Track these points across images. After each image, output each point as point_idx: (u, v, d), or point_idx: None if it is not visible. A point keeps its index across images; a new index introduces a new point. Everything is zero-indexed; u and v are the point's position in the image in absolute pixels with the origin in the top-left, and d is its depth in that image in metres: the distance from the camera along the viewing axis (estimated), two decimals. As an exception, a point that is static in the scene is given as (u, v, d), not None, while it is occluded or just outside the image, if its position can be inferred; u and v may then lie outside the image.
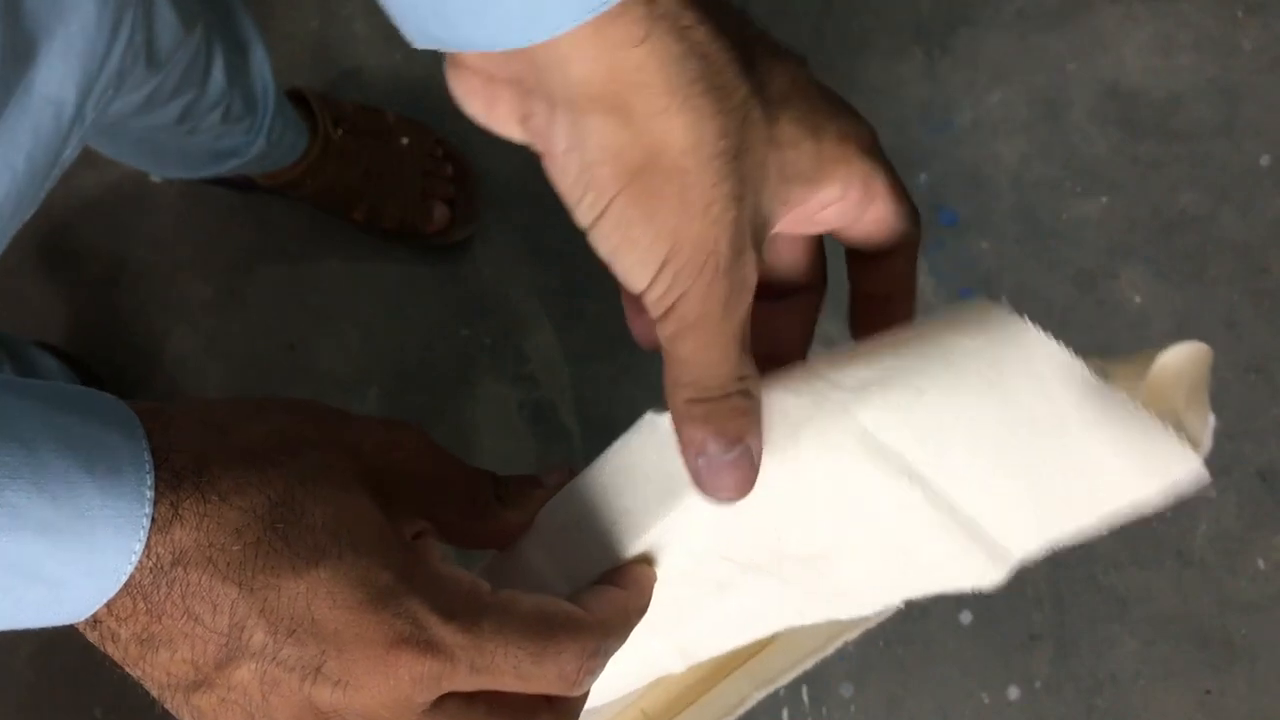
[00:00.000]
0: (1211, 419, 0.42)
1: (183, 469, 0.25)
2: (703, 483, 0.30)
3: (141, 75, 0.64)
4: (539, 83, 0.27)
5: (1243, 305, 1.10)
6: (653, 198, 0.27)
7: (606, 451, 0.33)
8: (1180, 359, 0.41)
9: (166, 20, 0.64)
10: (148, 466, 0.25)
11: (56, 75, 0.50)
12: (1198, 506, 1.03)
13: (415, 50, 0.30)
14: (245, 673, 0.26)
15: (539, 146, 0.29)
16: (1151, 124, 1.13)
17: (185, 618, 0.25)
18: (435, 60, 0.29)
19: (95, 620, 0.25)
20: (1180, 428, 0.43)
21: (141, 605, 0.25)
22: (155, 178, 1.12)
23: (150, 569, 0.25)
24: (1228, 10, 1.14)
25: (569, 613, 0.29)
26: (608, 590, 0.31)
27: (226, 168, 0.92)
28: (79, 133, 0.53)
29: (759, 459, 0.31)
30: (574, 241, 0.34)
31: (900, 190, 0.32)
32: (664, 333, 0.29)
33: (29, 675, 1.03)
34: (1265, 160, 1.12)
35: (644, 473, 0.32)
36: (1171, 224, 1.11)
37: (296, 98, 1.01)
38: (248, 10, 0.82)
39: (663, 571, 0.33)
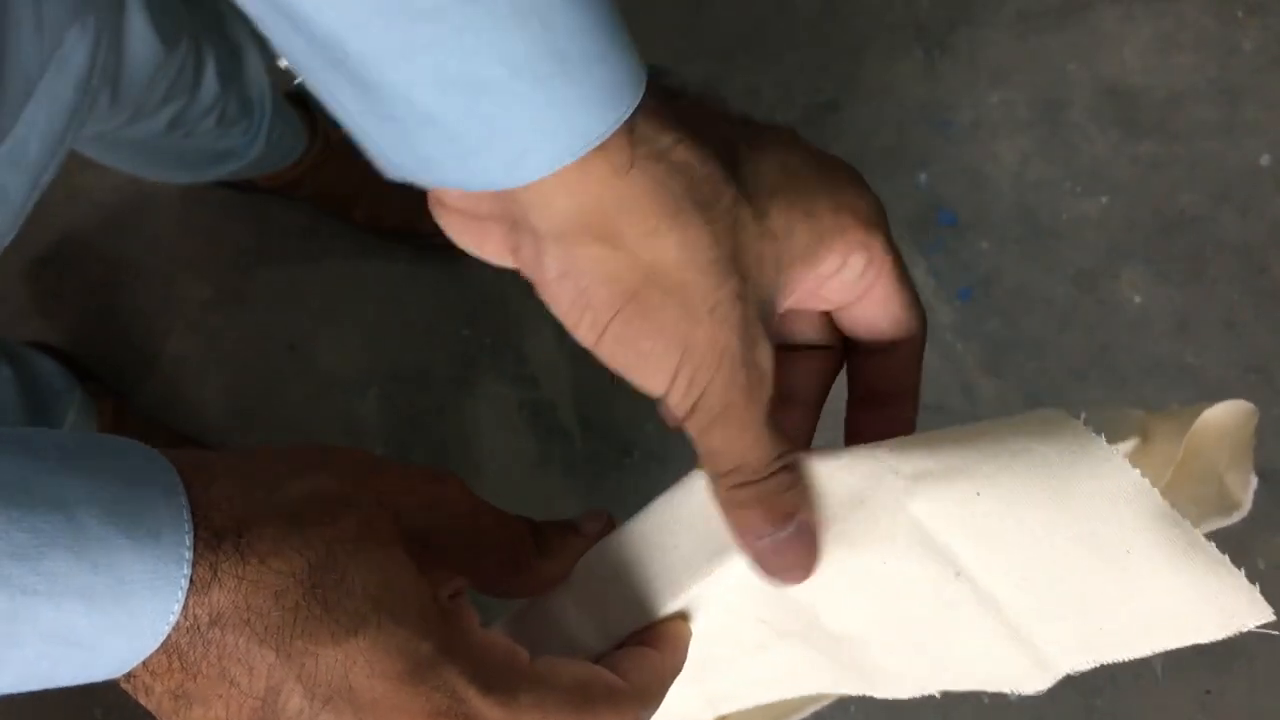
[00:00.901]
0: (1254, 480, 0.41)
1: (222, 529, 0.25)
2: (767, 566, 0.30)
3: (111, 108, 0.64)
4: (523, 218, 0.28)
5: (1243, 305, 1.10)
6: (655, 311, 0.28)
7: (649, 506, 0.32)
8: (1225, 416, 0.40)
9: (141, 50, 0.63)
10: (187, 527, 0.24)
11: (39, 129, 0.51)
12: (1198, 506, 1.03)
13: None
14: None
15: (530, 276, 0.29)
16: (1151, 124, 1.13)
17: (221, 679, 0.25)
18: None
19: (129, 674, 0.25)
20: (1222, 486, 0.42)
21: (177, 663, 0.25)
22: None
23: (187, 629, 0.24)
24: (1228, 10, 1.14)
25: (608, 683, 0.29)
26: (645, 654, 0.31)
27: (226, 170, 0.92)
28: (58, 159, 0.54)
29: (816, 533, 0.31)
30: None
31: (906, 277, 0.32)
32: (693, 430, 0.30)
33: (29, 675, 1.03)
34: (1265, 160, 1.12)
35: (687, 527, 0.31)
36: (1171, 224, 1.11)
37: (295, 99, 1.01)
38: (241, 14, 0.82)
39: (698, 628, 0.32)
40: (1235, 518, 0.43)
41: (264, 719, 0.25)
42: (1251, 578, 0.31)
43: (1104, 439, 0.32)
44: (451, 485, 0.30)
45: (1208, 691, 1.03)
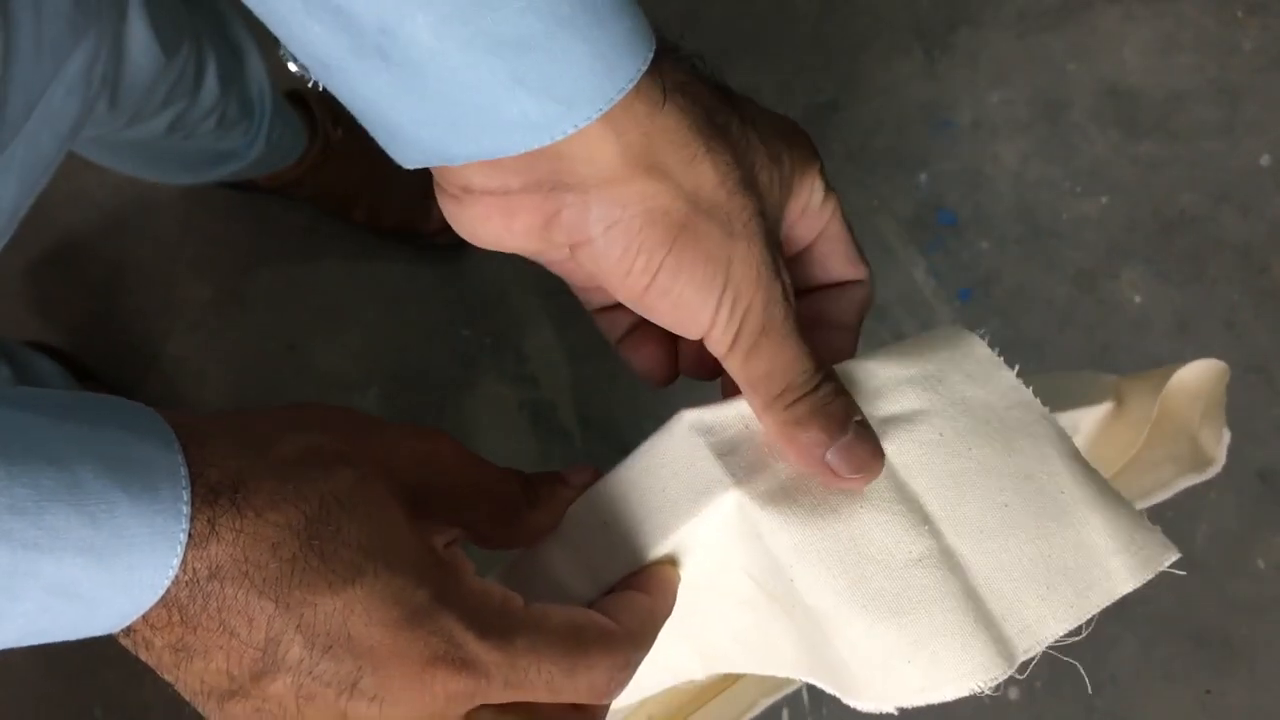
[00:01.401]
0: (1227, 435, 0.42)
1: (219, 484, 0.25)
2: (841, 472, 0.31)
3: (109, 112, 0.64)
4: (567, 173, 0.29)
5: (1243, 305, 1.10)
6: (702, 238, 0.29)
7: (635, 451, 0.33)
8: (1197, 375, 0.41)
9: (141, 58, 0.63)
10: (184, 483, 0.25)
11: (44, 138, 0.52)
12: (1198, 507, 1.03)
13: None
14: (281, 685, 0.26)
15: (566, 241, 0.30)
16: (1151, 124, 1.13)
17: (221, 631, 0.25)
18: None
19: (129, 628, 0.26)
20: (1195, 444, 0.42)
21: (177, 617, 0.25)
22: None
23: (186, 583, 0.25)
24: (1228, 10, 1.14)
25: (600, 625, 0.30)
26: (634, 597, 0.31)
27: (226, 171, 0.92)
28: (55, 165, 0.54)
29: (870, 426, 0.32)
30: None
31: (848, 222, 0.35)
32: (737, 358, 0.31)
33: (29, 675, 1.03)
34: (1265, 160, 1.12)
35: (672, 471, 0.32)
36: (1171, 224, 1.11)
37: (296, 99, 1.01)
38: (242, 15, 0.82)
39: (687, 574, 0.33)
40: (1210, 473, 0.44)
41: (264, 669, 0.26)
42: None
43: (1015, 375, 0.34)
44: (443, 441, 0.31)
45: (1208, 691, 1.03)
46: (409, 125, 0.29)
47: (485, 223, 0.31)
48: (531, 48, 0.26)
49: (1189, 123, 1.13)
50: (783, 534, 0.31)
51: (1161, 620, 1.03)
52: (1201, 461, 0.44)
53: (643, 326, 0.36)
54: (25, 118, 0.50)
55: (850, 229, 0.35)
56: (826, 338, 0.35)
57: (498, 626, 0.28)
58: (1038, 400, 0.34)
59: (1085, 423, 0.45)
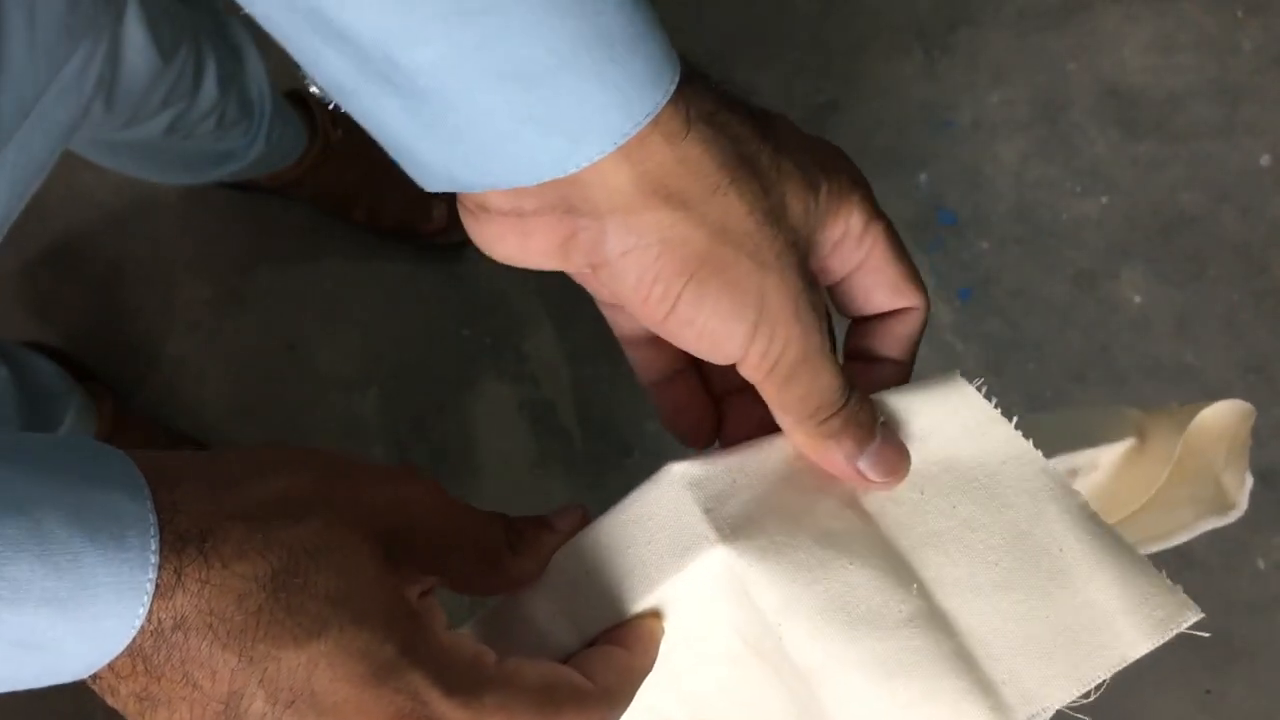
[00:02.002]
0: (1249, 479, 0.41)
1: (187, 532, 0.25)
2: (874, 476, 0.32)
3: (106, 114, 0.64)
4: (581, 199, 0.28)
5: (1243, 305, 1.10)
6: (729, 268, 0.29)
7: (622, 501, 0.32)
8: (1222, 415, 0.40)
9: (138, 62, 0.63)
10: (152, 531, 0.24)
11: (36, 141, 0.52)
12: (1198, 506, 1.03)
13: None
14: None
15: (585, 262, 0.30)
16: (1151, 124, 1.13)
17: (184, 682, 0.25)
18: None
19: (95, 676, 0.25)
20: (1219, 486, 0.42)
21: (141, 666, 0.25)
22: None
23: (151, 633, 0.24)
24: (1228, 10, 1.14)
25: (574, 685, 0.29)
26: (614, 653, 0.31)
27: (226, 171, 0.92)
28: (48, 169, 0.54)
29: (894, 429, 0.33)
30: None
31: (901, 248, 0.34)
32: (773, 385, 0.31)
33: (29, 675, 1.03)
34: (1265, 160, 1.12)
35: (659, 524, 0.31)
36: (1171, 224, 1.11)
37: (295, 99, 1.01)
38: (241, 16, 0.82)
39: (672, 628, 0.32)
40: (1231, 518, 0.43)
41: None
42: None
43: (1031, 442, 0.33)
44: (421, 485, 0.30)
45: (1208, 691, 1.03)
46: (424, 152, 0.28)
47: (501, 241, 0.30)
48: (537, 84, 0.26)
49: (1189, 123, 1.13)
50: (771, 591, 0.30)
51: (1161, 620, 1.03)
52: (1224, 505, 0.43)
53: (681, 378, 0.36)
54: (18, 123, 0.50)
55: (901, 254, 0.34)
56: (878, 372, 0.34)
57: (466, 683, 0.27)
58: (1038, 453, 0.33)
59: (1105, 459, 0.44)
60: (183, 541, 0.25)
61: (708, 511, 0.31)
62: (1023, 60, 1.14)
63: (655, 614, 0.32)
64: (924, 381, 0.34)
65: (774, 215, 0.29)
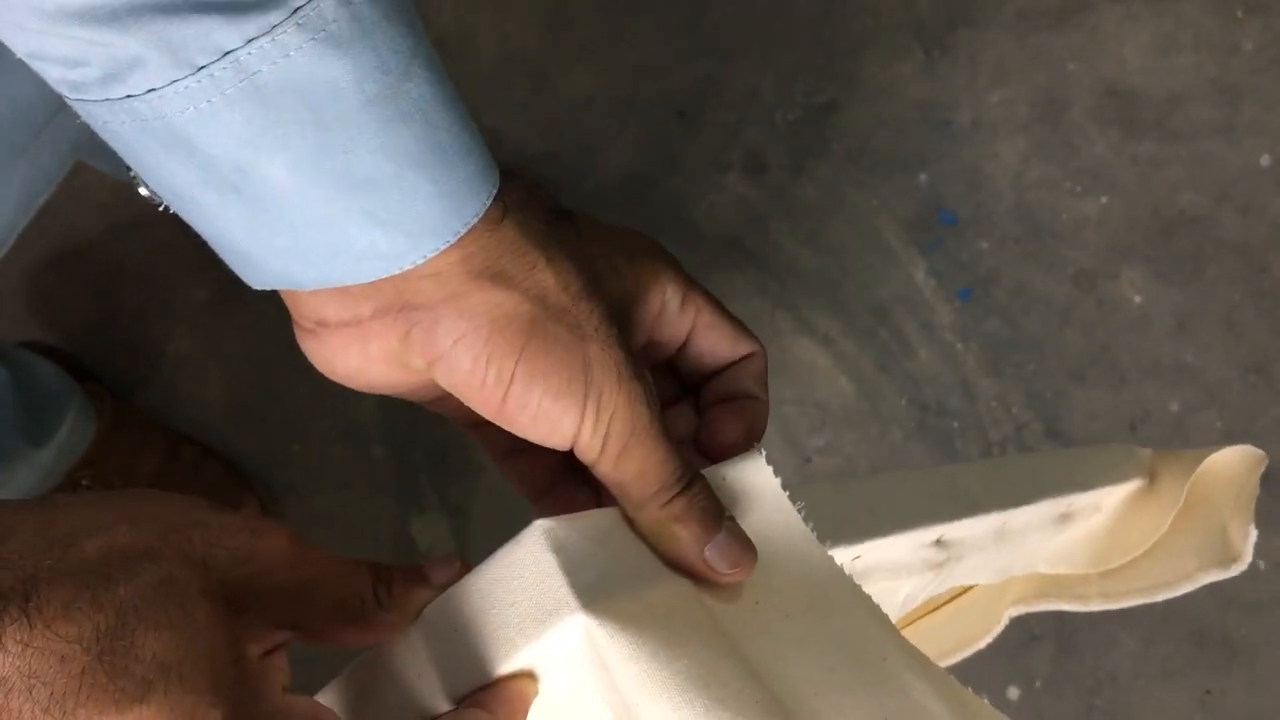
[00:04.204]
0: (1254, 533, 0.41)
1: (10, 591, 0.24)
2: (721, 568, 0.32)
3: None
4: (414, 293, 0.30)
5: (1243, 305, 1.10)
6: (553, 342, 0.30)
7: (490, 557, 0.31)
8: (1231, 462, 0.40)
9: None
10: None
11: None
12: (1198, 506, 1.03)
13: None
14: None
15: (421, 359, 0.31)
16: (1151, 124, 1.13)
17: None
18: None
19: None
20: (1225, 536, 0.42)
21: None
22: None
23: None
24: (1228, 10, 1.14)
25: None
26: (476, 717, 0.30)
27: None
28: (58, 178, 0.55)
29: (740, 525, 0.33)
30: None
31: (723, 307, 0.36)
32: (607, 463, 0.31)
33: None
34: (1265, 160, 1.12)
35: (521, 585, 0.30)
36: (1171, 224, 1.11)
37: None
38: None
39: (546, 692, 0.31)
40: (1233, 571, 0.43)
41: None
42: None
43: (852, 581, 0.33)
44: (273, 536, 0.29)
45: (1208, 691, 1.03)
46: (258, 253, 0.30)
47: (344, 353, 0.32)
48: (382, 186, 0.28)
49: (1189, 123, 1.13)
50: (631, 666, 0.29)
51: (1161, 619, 1.04)
52: (1228, 557, 0.43)
53: (526, 449, 0.36)
54: (30, 140, 0.50)
55: (725, 312, 0.36)
56: (743, 406, 0.36)
57: None
58: (850, 578, 0.33)
59: (1110, 501, 0.44)
60: (5, 601, 0.24)
61: (570, 575, 0.30)
62: (1023, 60, 1.14)
63: (529, 675, 0.31)
64: (758, 511, 0.34)
65: (589, 289, 0.31)
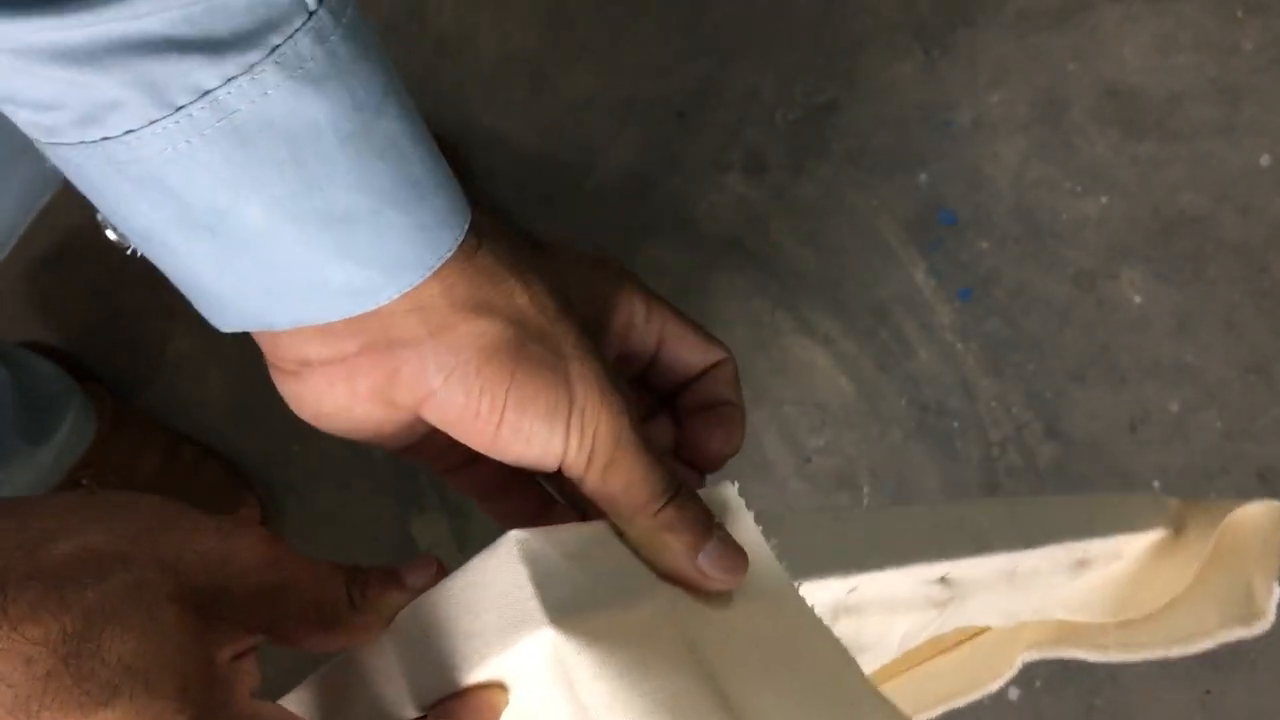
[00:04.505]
0: (1277, 590, 0.41)
1: None
2: (715, 573, 0.32)
3: None
4: (399, 328, 0.30)
5: (1243, 305, 1.10)
6: (536, 366, 0.31)
7: (464, 565, 0.31)
8: (1257, 516, 0.40)
9: None
10: None
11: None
12: (1198, 506, 1.03)
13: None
14: None
15: (410, 399, 0.31)
16: (1151, 124, 1.13)
17: None
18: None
19: None
20: (1249, 591, 0.41)
21: None
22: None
23: None
24: (1228, 10, 1.14)
25: None
26: None
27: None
28: (58, 181, 0.55)
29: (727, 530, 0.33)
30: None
31: (686, 316, 0.37)
32: (595, 474, 0.32)
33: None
34: (1265, 160, 1.12)
35: (491, 595, 0.30)
36: (1171, 224, 1.11)
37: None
38: None
39: (516, 703, 0.31)
40: (1257, 629, 0.43)
41: None
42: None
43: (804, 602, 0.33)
44: (247, 539, 0.29)
45: (1208, 691, 1.03)
46: (229, 294, 0.30)
47: (329, 392, 0.32)
48: (357, 222, 0.28)
49: (1189, 123, 1.13)
50: (597, 684, 0.29)
51: (1161, 620, 1.04)
52: (1251, 614, 0.42)
53: (508, 488, 0.36)
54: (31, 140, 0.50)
55: (690, 321, 0.36)
56: (721, 412, 0.36)
57: None
58: (828, 629, 0.34)
59: (1132, 549, 0.43)
60: None
61: (540, 588, 0.29)
62: (1023, 60, 1.14)
63: (499, 686, 0.30)
64: (716, 511, 0.34)
65: (564, 309, 0.32)
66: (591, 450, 0.31)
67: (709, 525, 0.32)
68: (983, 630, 0.53)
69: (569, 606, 0.30)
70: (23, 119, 0.28)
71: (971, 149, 1.13)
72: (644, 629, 0.31)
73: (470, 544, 1.08)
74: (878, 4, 1.16)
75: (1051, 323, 1.10)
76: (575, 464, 0.31)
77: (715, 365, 0.37)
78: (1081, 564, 0.43)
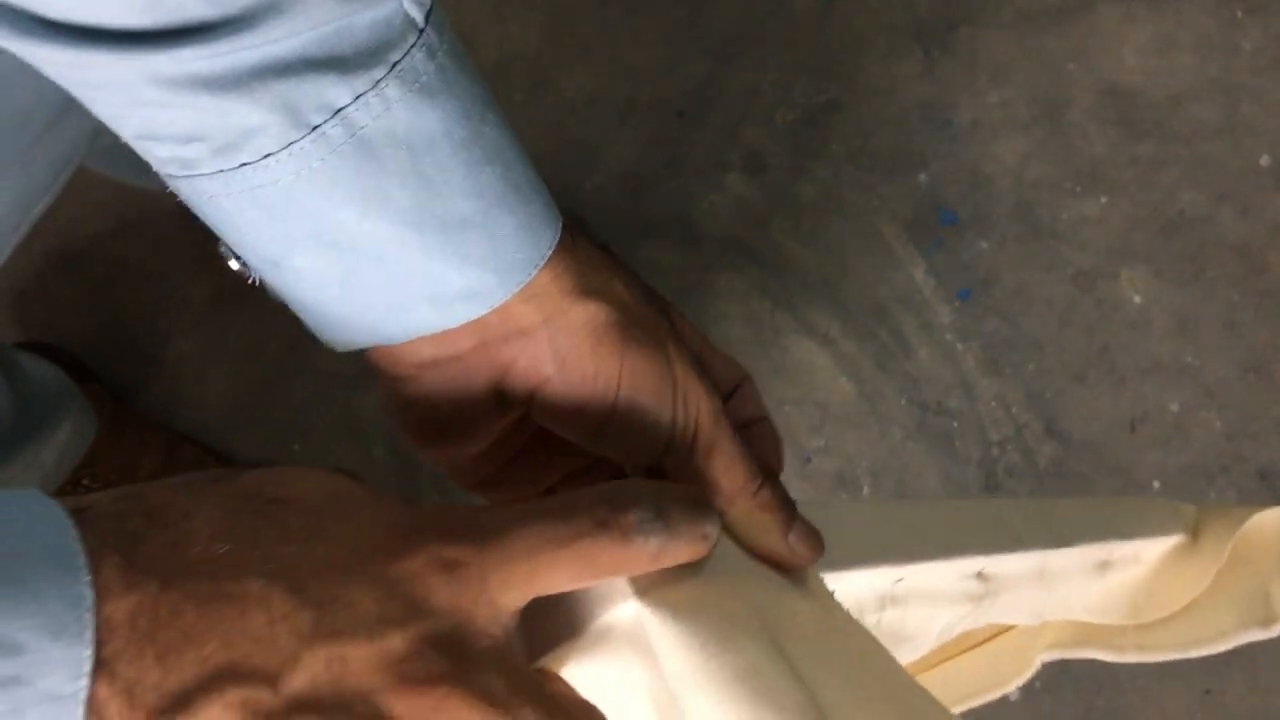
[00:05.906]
0: None
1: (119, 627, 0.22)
2: (803, 550, 0.33)
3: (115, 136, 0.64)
4: (517, 318, 0.31)
5: (1243, 305, 1.10)
6: (641, 345, 0.32)
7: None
8: (1275, 521, 0.40)
9: None
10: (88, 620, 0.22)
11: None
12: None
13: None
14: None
15: (525, 388, 0.32)
16: (1151, 124, 1.13)
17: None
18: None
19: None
20: (1267, 596, 0.42)
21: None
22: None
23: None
24: (1228, 10, 1.14)
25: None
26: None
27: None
28: (56, 187, 0.55)
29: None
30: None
31: (710, 341, 0.38)
32: (698, 459, 0.32)
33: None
34: (1265, 160, 1.12)
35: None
36: (1171, 224, 1.11)
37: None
38: None
39: (598, 672, 0.31)
40: (1274, 632, 0.43)
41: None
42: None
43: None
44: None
45: (1208, 691, 1.03)
46: (352, 311, 0.31)
47: (449, 387, 0.32)
48: (471, 227, 0.30)
49: (1189, 123, 1.13)
50: (680, 655, 0.29)
51: (1161, 620, 1.04)
52: (1269, 618, 0.42)
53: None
54: (27, 146, 0.50)
55: (713, 344, 0.37)
56: (759, 429, 0.37)
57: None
58: (873, 636, 0.34)
59: (1150, 554, 0.43)
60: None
61: None
62: (1023, 60, 1.14)
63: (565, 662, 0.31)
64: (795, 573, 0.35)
65: (652, 294, 0.34)
66: (696, 431, 0.32)
67: (794, 506, 0.34)
68: (1006, 629, 0.53)
69: (651, 581, 0.30)
70: (160, 156, 0.29)
71: (971, 149, 1.13)
72: (721, 603, 0.31)
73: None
74: (878, 4, 1.16)
75: (1051, 323, 1.10)
76: (680, 446, 0.32)
77: (742, 383, 0.37)
78: (1104, 565, 0.43)
